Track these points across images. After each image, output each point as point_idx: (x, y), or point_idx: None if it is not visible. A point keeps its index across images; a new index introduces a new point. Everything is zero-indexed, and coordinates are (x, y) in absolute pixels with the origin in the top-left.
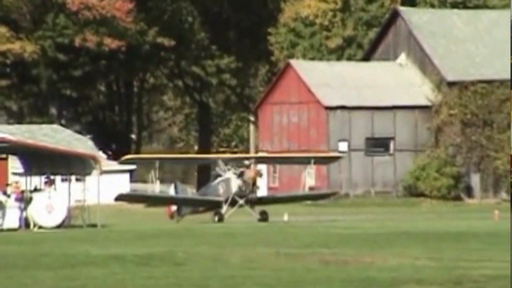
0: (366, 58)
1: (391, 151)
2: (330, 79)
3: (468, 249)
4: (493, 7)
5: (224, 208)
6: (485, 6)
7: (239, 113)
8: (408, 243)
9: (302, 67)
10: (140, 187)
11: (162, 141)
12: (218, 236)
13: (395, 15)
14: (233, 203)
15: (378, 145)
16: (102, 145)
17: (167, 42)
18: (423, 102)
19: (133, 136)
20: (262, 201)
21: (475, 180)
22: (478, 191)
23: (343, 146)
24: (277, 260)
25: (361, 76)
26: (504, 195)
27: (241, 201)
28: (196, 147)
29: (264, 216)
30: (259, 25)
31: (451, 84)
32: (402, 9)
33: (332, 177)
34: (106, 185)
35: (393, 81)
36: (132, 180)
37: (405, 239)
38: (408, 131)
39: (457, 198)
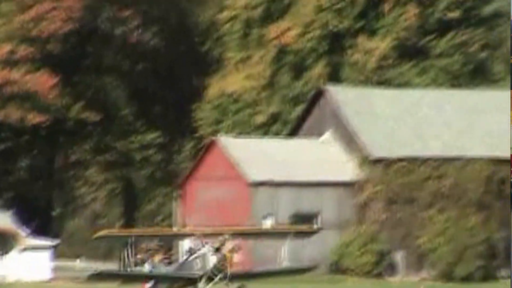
0: (292, 134)
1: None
2: (256, 155)
3: None
4: (416, 86)
5: (201, 285)
6: (408, 85)
7: (164, 188)
8: None
9: (228, 143)
10: (63, 264)
11: (84, 216)
12: None
13: (320, 92)
14: (210, 278)
15: (304, 221)
16: (23, 221)
17: (92, 117)
18: (348, 178)
19: (54, 212)
20: (240, 276)
21: (398, 257)
22: (401, 269)
23: (268, 222)
24: None
25: (286, 152)
26: (426, 273)
27: (219, 276)
28: (120, 222)
29: None
30: (185, 101)
31: (375, 161)
32: (328, 87)
33: (257, 253)
34: (27, 261)
35: (318, 157)
36: (55, 257)
37: None
38: (333, 207)
39: (379, 275)
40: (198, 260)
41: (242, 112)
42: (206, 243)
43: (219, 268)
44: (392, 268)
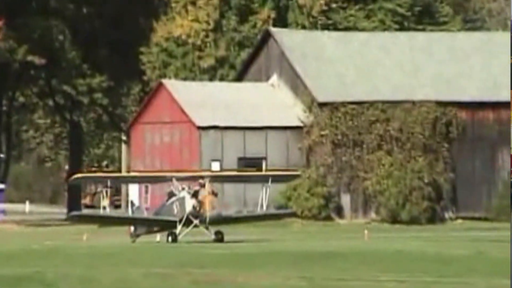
0: (239, 78)
1: (263, 171)
2: (203, 99)
3: (338, 269)
4: (363, 29)
5: (179, 228)
6: (355, 28)
7: (111, 132)
8: (280, 263)
9: (175, 87)
10: (9, 207)
11: (31, 160)
12: (88, 257)
13: (267, 36)
14: (187, 222)
15: (250, 165)
16: None
17: (37, 60)
18: (294, 123)
19: (1, 155)
20: (220, 221)
21: (345, 200)
22: (348, 211)
23: (215, 166)
24: (148, 281)
25: (233, 96)
26: (373, 215)
27: (195, 221)
28: (66, 167)
29: (219, 236)
30: (131, 44)
31: (322, 105)
32: (274, 30)
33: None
34: None
35: (265, 102)
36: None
37: (277, 259)
38: (279, 152)
39: (328, 218)
40: (176, 204)
41: (189, 55)
42: (184, 187)
43: (196, 212)
44: (339, 211)
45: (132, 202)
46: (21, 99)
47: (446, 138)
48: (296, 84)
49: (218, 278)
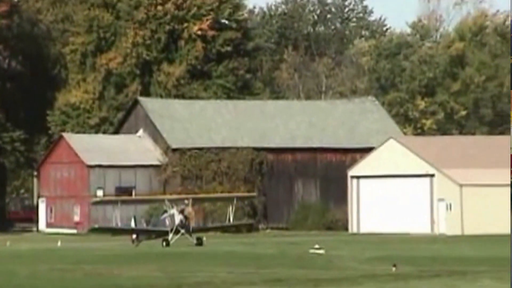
0: (116, 132)
1: (133, 197)
2: (90, 146)
3: (187, 265)
4: (202, 98)
5: (170, 236)
6: (197, 97)
7: (26, 170)
8: (146, 261)
9: (71, 138)
10: None
11: None
12: (9, 257)
13: (135, 103)
14: (176, 232)
15: (123, 192)
16: None
17: None
18: (155, 162)
19: None
20: (195, 230)
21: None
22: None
23: (100, 193)
24: (52, 273)
25: (112, 144)
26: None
27: (182, 231)
28: None
29: (199, 241)
30: (41, 109)
31: (174, 150)
32: (141, 99)
33: (93, 215)
34: None
35: (134, 148)
36: None
37: (144, 258)
38: (145, 183)
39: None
40: (168, 218)
41: (81, 116)
42: (173, 206)
43: (183, 224)
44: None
45: (135, 217)
46: None
47: (259, 173)
48: (156, 136)
49: (100, 272)
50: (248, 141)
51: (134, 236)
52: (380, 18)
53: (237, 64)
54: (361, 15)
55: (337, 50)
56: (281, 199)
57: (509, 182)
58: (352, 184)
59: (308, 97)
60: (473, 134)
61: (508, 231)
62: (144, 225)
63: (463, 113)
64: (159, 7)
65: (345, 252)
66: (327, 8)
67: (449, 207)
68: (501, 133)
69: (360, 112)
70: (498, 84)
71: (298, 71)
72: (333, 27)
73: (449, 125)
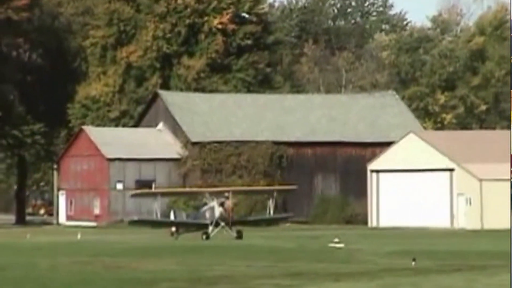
0: (136, 125)
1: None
2: (110, 139)
3: (206, 258)
4: (222, 91)
5: (210, 229)
6: (217, 91)
7: (46, 163)
8: (163, 254)
9: (91, 131)
10: None
11: None
12: (30, 250)
13: (156, 96)
14: (216, 225)
15: (144, 186)
16: None
17: None
18: (175, 156)
19: None
20: (235, 222)
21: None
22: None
23: (119, 186)
24: (73, 266)
25: (132, 138)
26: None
27: (222, 224)
28: (15, 187)
29: (239, 235)
30: (61, 102)
31: (194, 143)
32: (161, 92)
33: (112, 207)
34: None
35: (154, 141)
36: None
37: (160, 251)
38: (164, 176)
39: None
40: (209, 211)
41: (101, 109)
42: (213, 198)
43: (223, 217)
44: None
45: (174, 211)
46: None
47: (279, 167)
48: (176, 129)
49: (120, 264)
50: (268, 134)
51: (173, 229)
52: (401, 12)
53: (257, 58)
54: (381, 9)
55: (357, 44)
56: (301, 193)
57: None
58: (372, 178)
59: (328, 91)
60: (493, 128)
61: None
62: (184, 217)
63: (483, 107)
64: (180, 1)
65: (365, 246)
66: (347, 2)
67: (469, 201)
68: None
69: (380, 106)
70: None
71: (318, 65)
72: (353, 21)
73: (469, 120)
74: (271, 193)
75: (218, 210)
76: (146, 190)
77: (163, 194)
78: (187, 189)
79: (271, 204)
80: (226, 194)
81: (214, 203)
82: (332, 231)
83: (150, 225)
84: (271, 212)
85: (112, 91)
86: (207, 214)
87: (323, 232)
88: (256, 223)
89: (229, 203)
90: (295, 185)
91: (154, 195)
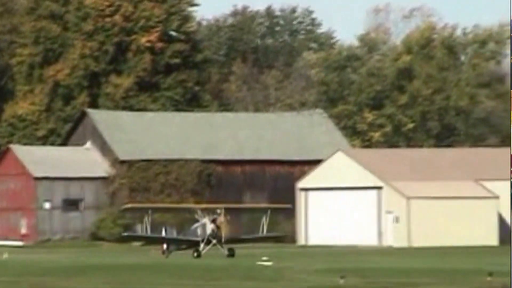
0: (63, 144)
1: (81, 209)
2: (38, 158)
3: (139, 276)
4: (151, 110)
5: (201, 246)
6: (145, 109)
7: None
8: (94, 273)
9: (19, 150)
10: None
11: None
12: None
13: (83, 114)
14: (208, 242)
15: (71, 204)
16: None
17: None
18: (103, 174)
19: None
20: (228, 241)
21: (138, 228)
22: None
23: (47, 205)
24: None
25: (60, 156)
26: None
27: (214, 241)
28: None
29: (231, 252)
30: None
31: (122, 162)
32: (89, 110)
33: (39, 226)
34: None
35: (82, 160)
36: None
37: (91, 270)
38: (93, 195)
39: (126, 241)
40: (200, 228)
41: (28, 128)
42: (205, 215)
43: (215, 234)
44: (135, 236)
45: (165, 227)
46: None
47: (208, 185)
48: (104, 148)
49: (47, 284)
50: (196, 153)
51: (164, 246)
52: (329, 31)
53: (185, 76)
54: (309, 27)
55: (286, 62)
56: (229, 211)
57: (455, 195)
58: (300, 196)
59: (256, 110)
60: (421, 146)
61: (453, 243)
62: (174, 234)
63: (411, 125)
64: (107, 19)
65: (293, 264)
66: (275, 20)
67: (396, 219)
68: (448, 145)
69: (308, 125)
70: (445, 97)
71: (246, 83)
72: (281, 39)
73: (397, 138)
74: (265, 212)
75: (209, 227)
76: (138, 205)
77: (154, 210)
78: (182, 205)
79: (264, 222)
80: (218, 210)
81: (206, 220)
82: (261, 249)
83: (141, 240)
84: (265, 230)
85: (39, 110)
86: (199, 231)
87: (252, 250)
88: (249, 242)
89: (221, 219)
90: (220, 203)
91: (145, 210)
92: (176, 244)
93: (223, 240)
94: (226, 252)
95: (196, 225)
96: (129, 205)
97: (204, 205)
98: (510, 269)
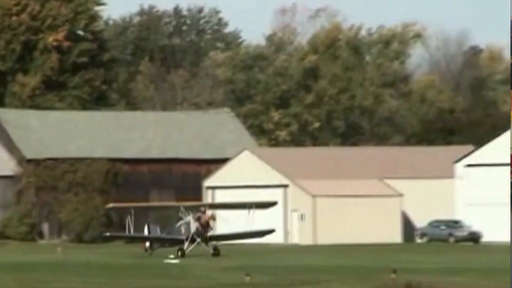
0: None
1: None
2: None
3: (43, 274)
4: (58, 109)
5: (186, 245)
6: (52, 108)
7: None
8: (1, 271)
9: None
10: None
11: None
12: None
13: None
14: (192, 240)
15: None
16: None
17: None
18: (9, 173)
19: None
20: (214, 238)
21: (45, 227)
22: (47, 235)
23: None
24: None
25: None
26: (65, 237)
27: (198, 239)
28: None
29: (216, 251)
30: None
31: (29, 161)
32: None
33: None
34: None
35: None
36: None
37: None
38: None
39: (33, 239)
40: (184, 226)
41: None
42: (189, 213)
43: (199, 233)
44: (41, 235)
45: (148, 225)
46: None
47: (115, 184)
48: (10, 146)
49: None
50: (103, 152)
51: (147, 244)
52: (235, 30)
53: (92, 75)
54: (216, 27)
55: (193, 61)
56: (136, 210)
57: (360, 193)
58: (207, 195)
59: (164, 109)
60: (326, 145)
61: (358, 241)
62: (158, 233)
63: (317, 124)
64: (14, 17)
65: (201, 262)
66: (182, 20)
67: (302, 217)
68: (353, 144)
69: (215, 124)
70: (350, 97)
71: (154, 82)
72: (188, 39)
73: (303, 137)
74: (250, 207)
75: (194, 225)
76: (121, 204)
77: (136, 209)
78: (160, 203)
79: (250, 218)
80: (202, 208)
81: (190, 218)
82: (168, 247)
83: (123, 239)
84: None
85: None
86: (183, 229)
87: (160, 249)
88: (234, 238)
89: (205, 217)
90: (127, 202)
91: (128, 209)
92: (160, 242)
93: (207, 238)
94: (211, 251)
95: (180, 223)
96: (111, 205)
97: (189, 203)
98: (510, 269)
